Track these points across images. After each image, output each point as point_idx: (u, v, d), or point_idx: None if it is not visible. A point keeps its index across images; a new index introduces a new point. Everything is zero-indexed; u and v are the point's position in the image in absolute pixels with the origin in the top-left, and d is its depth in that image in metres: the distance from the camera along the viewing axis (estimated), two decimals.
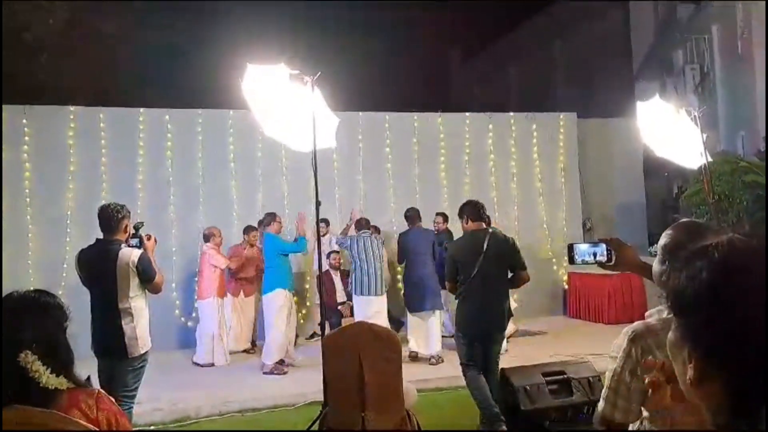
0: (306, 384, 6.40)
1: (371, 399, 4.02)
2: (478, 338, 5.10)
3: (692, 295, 0.89)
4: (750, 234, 0.94)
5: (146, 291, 4.51)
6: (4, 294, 1.78)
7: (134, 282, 4.38)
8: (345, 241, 7.68)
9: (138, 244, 4.49)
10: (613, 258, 2.41)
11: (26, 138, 8.74)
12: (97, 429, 1.72)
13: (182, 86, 14.88)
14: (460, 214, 5.37)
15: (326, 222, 8.86)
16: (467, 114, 10.94)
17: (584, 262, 2.53)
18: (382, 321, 7.15)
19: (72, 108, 9.07)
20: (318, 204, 4.79)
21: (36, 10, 13.02)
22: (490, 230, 5.28)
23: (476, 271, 5.02)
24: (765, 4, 11.81)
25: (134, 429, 2.65)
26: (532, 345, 8.22)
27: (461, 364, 5.17)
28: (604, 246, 2.44)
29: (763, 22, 12.46)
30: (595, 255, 2.47)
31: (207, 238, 7.97)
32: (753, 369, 0.81)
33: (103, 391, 1.83)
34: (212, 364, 7.75)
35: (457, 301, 5.32)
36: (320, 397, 4.52)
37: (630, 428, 2.02)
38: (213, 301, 7.80)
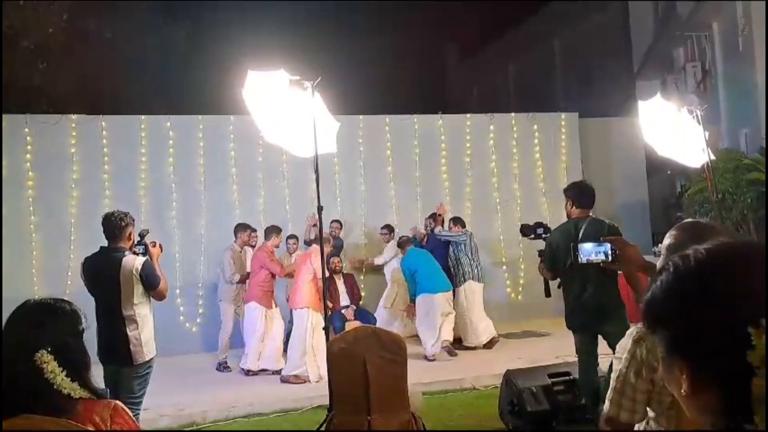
0: (312, 388, 6.42)
1: (377, 402, 4.02)
2: (579, 330, 4.97)
3: (667, 307, 0.88)
4: (729, 244, 0.91)
5: (150, 298, 4.52)
6: (13, 303, 1.79)
7: (138, 289, 4.39)
8: (462, 234, 8.37)
9: (143, 251, 4.51)
10: (617, 257, 2.40)
11: (28, 147, 8.76)
12: None
13: (183, 93, 14.91)
14: (566, 197, 5.05)
15: (389, 228, 9.13)
16: (468, 115, 10.93)
17: (588, 262, 2.52)
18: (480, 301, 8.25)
19: (73, 116, 9.09)
20: (320, 209, 4.79)
21: (34, 16, 13.02)
22: (591, 217, 4.93)
23: (571, 260, 4.74)
24: (765, 3, 11.77)
25: None
26: (538, 346, 8.19)
27: None
28: (608, 245, 2.43)
29: (762, 18, 12.42)
30: (598, 254, 2.46)
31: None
32: (745, 375, 0.80)
33: (120, 404, 1.80)
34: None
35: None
36: (326, 402, 4.52)
37: (636, 428, 2.01)
38: (306, 312, 7.03)
